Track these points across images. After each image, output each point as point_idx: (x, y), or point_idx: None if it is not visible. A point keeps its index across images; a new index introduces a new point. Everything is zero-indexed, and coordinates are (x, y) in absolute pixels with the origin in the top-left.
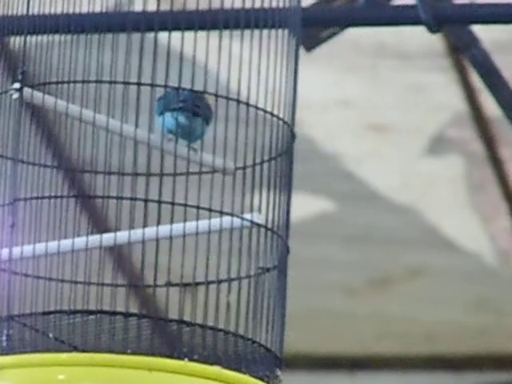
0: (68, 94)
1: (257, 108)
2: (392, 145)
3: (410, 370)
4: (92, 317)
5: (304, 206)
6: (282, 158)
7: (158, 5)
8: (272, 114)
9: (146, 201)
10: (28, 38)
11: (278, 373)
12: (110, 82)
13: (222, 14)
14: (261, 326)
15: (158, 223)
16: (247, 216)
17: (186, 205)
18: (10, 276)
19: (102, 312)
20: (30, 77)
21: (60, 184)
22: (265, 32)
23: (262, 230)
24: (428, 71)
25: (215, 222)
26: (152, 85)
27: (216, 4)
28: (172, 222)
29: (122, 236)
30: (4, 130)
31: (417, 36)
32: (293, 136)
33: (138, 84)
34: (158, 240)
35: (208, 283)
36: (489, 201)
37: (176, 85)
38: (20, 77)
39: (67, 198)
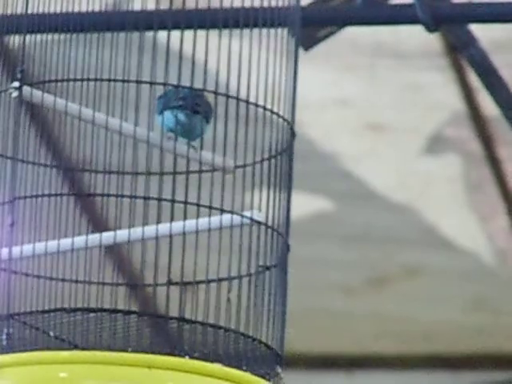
0: (67, 93)
1: (256, 105)
2: (390, 144)
3: (407, 369)
4: (92, 315)
5: (302, 205)
6: (282, 156)
7: (158, 4)
8: (272, 112)
9: (145, 198)
10: (27, 36)
11: (279, 370)
12: (110, 80)
13: (222, 13)
14: (261, 323)
15: (158, 221)
16: (247, 214)
17: (185, 202)
18: (10, 275)
19: (102, 310)
20: (28, 75)
21: (59, 183)
22: (264, 30)
23: (263, 227)
24: (426, 70)
25: (215, 219)
26: (151, 83)
27: (215, 3)
28: (172, 220)
29: (122, 234)
30: (3, 129)
31: (415, 35)
32: (293, 134)
33: (137, 82)
34: (157, 238)
35: (208, 282)
36: (487, 200)
37: (175, 83)
38: (19, 75)
39: (67, 197)
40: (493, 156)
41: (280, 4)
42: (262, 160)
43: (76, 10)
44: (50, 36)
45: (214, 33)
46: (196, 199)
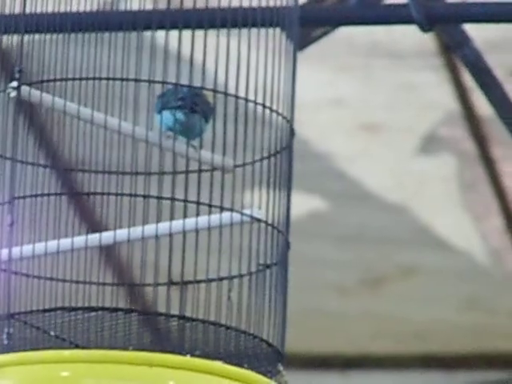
0: (65, 92)
1: (256, 103)
2: (384, 144)
3: (402, 368)
4: (93, 314)
5: (296, 205)
6: (281, 155)
7: (155, 3)
8: (271, 110)
9: (145, 197)
10: (24, 36)
11: (280, 368)
12: (108, 79)
13: (220, 13)
14: (262, 321)
15: (158, 220)
16: (247, 211)
17: (185, 200)
18: (10, 275)
19: (103, 309)
20: (26, 75)
21: (58, 183)
22: (263, 30)
23: (263, 225)
24: (420, 70)
25: (215, 217)
26: (150, 81)
27: (213, 3)
28: (172, 218)
29: (122, 234)
30: (2, 130)
31: (409, 35)
32: (292, 132)
33: (136, 80)
34: (157, 237)
35: (209, 281)
36: (481, 200)
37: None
38: (17, 75)
39: (66, 197)
40: (487, 156)
41: (278, 4)
42: (262, 158)
43: (74, 9)
44: (47, 36)
45: (212, 32)
46: (196, 198)
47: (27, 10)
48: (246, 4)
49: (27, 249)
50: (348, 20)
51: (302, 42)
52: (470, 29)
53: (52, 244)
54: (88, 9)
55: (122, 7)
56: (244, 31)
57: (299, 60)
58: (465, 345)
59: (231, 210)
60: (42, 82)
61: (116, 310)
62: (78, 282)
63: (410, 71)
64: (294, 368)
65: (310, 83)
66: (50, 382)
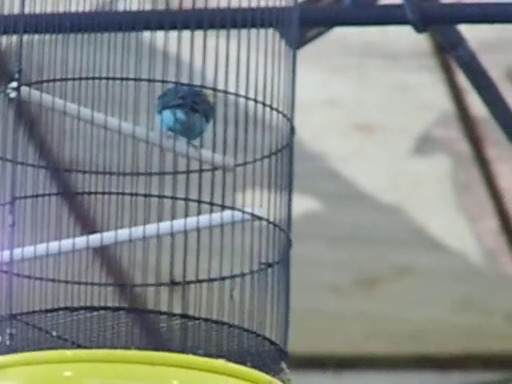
0: (65, 93)
1: (256, 101)
2: (378, 144)
3: (396, 369)
4: (95, 313)
5: None
6: (282, 153)
7: (155, 4)
8: (271, 108)
9: (146, 196)
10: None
11: (283, 366)
12: (108, 79)
13: (219, 13)
14: (265, 319)
15: (159, 220)
16: (248, 209)
17: (186, 199)
18: (11, 276)
19: (104, 308)
20: (26, 76)
21: (58, 183)
22: (262, 29)
23: (264, 223)
24: (414, 71)
25: (216, 216)
26: (149, 80)
27: (212, 3)
28: (173, 218)
29: (123, 234)
30: (1, 130)
31: (403, 36)
32: (292, 130)
33: (136, 80)
34: (159, 237)
35: (211, 280)
36: (475, 201)
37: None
38: (17, 76)
39: (66, 198)
40: (481, 156)
41: (278, 4)
42: (263, 157)
43: (73, 10)
44: (46, 36)
45: (211, 33)
46: (197, 197)
47: (26, 11)
48: (245, 4)
49: (28, 250)
50: (342, 20)
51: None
52: (465, 29)
53: (53, 245)
54: (87, 9)
55: (121, 8)
56: (243, 31)
57: None
58: (459, 345)
59: (232, 208)
60: (42, 82)
61: (118, 309)
62: (79, 283)
63: (405, 72)
64: (288, 367)
65: (304, 84)
66: (52, 381)
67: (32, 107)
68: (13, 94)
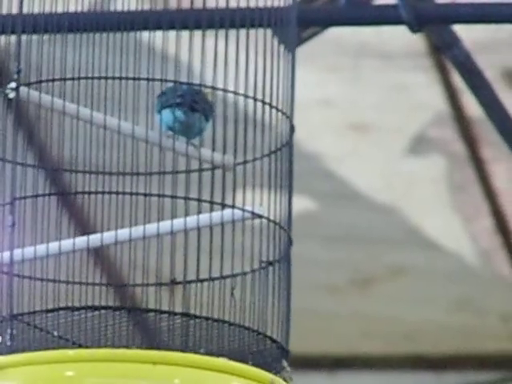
0: (64, 93)
1: (255, 99)
2: (373, 144)
3: (391, 369)
4: (96, 313)
5: (286, 205)
6: (282, 151)
7: (153, 4)
8: (271, 106)
9: (146, 195)
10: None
11: (285, 364)
12: (107, 78)
13: (218, 14)
14: (266, 317)
15: (160, 219)
16: (248, 208)
17: (187, 198)
18: (12, 276)
19: (105, 308)
20: (25, 76)
21: (57, 184)
22: (261, 29)
23: (265, 222)
24: (409, 71)
25: (217, 215)
26: (149, 79)
27: (211, 3)
28: (173, 217)
29: (123, 234)
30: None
31: (398, 36)
32: (292, 128)
33: (135, 79)
34: (159, 236)
35: (212, 279)
36: (470, 201)
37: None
38: (16, 76)
39: (64, 198)
40: (476, 157)
41: (276, 4)
42: (263, 156)
43: (71, 10)
44: (45, 36)
45: (210, 33)
46: (197, 197)
47: (24, 11)
48: (243, 4)
49: (29, 250)
50: (338, 21)
51: None
52: (460, 29)
53: (53, 245)
54: (85, 9)
55: (119, 7)
56: (242, 31)
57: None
58: (454, 345)
59: (233, 206)
60: (41, 82)
61: (119, 308)
62: (80, 283)
63: (400, 72)
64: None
65: (299, 83)
66: (54, 381)
67: (31, 107)
68: (12, 95)
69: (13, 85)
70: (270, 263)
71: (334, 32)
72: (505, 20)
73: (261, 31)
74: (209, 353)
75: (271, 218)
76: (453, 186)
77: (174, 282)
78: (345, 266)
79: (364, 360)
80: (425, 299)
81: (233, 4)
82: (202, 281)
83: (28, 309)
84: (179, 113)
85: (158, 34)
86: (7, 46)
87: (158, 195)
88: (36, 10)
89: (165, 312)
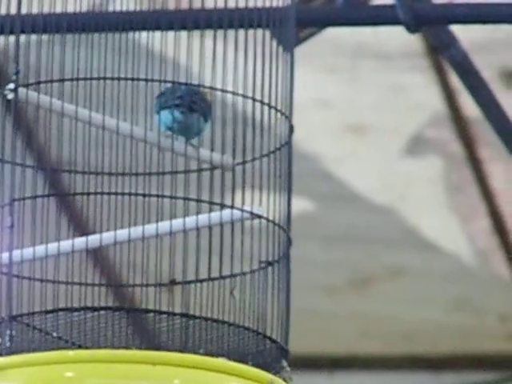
0: (63, 93)
1: (254, 100)
2: (371, 145)
3: (390, 369)
4: (95, 314)
5: (284, 206)
6: (281, 151)
7: (153, 4)
8: (269, 106)
9: (145, 195)
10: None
11: (284, 364)
12: (105, 79)
13: (217, 14)
14: (266, 317)
15: (159, 219)
16: (247, 208)
17: (186, 198)
18: (11, 277)
19: (105, 308)
20: (24, 76)
21: (56, 184)
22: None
23: (264, 222)
24: (407, 71)
25: (215, 215)
26: (147, 80)
27: (210, 3)
28: (172, 217)
29: (123, 234)
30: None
31: (396, 36)
32: (291, 128)
33: (134, 79)
34: (158, 236)
35: (211, 279)
36: (467, 201)
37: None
38: (14, 77)
39: (64, 198)
40: (474, 157)
41: (275, 4)
42: (262, 156)
43: (71, 10)
44: (44, 36)
45: (209, 33)
46: (196, 197)
47: (23, 11)
48: (241, 5)
49: (28, 251)
50: (335, 21)
51: None
52: (457, 30)
53: (52, 246)
54: (84, 9)
55: (118, 8)
56: (241, 31)
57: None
58: (452, 346)
59: (231, 207)
60: (39, 83)
61: (118, 309)
62: (80, 284)
63: (397, 72)
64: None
65: (297, 84)
66: (54, 382)
67: (30, 108)
68: (10, 96)
69: (11, 86)
70: (270, 263)
71: (332, 32)
72: (502, 20)
73: (259, 31)
74: (208, 353)
75: (270, 218)
76: (450, 187)
77: (173, 283)
78: (343, 267)
79: (362, 360)
80: (423, 299)
81: (231, 4)
82: (201, 281)
83: (27, 310)
84: (178, 113)
85: (157, 34)
86: (6, 47)
87: (158, 196)
88: (34, 11)
89: (164, 312)
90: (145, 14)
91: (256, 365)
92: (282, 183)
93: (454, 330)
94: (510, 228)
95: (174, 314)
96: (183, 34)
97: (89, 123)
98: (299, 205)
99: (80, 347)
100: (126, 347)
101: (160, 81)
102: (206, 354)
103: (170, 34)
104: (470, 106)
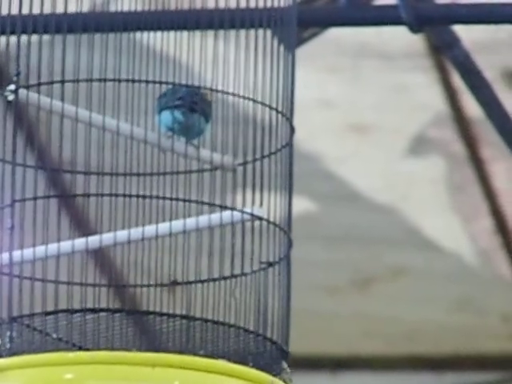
0: (64, 94)
1: (254, 101)
2: (373, 145)
3: (391, 369)
4: (95, 315)
5: (286, 206)
6: (281, 152)
7: (156, 4)
8: (270, 107)
9: (144, 197)
10: (13, 38)
11: (285, 365)
12: (105, 80)
13: (217, 14)
14: (266, 319)
15: (157, 221)
16: (247, 210)
17: (186, 200)
18: (11, 278)
19: (103, 310)
20: (24, 77)
21: (55, 185)
22: (261, 30)
23: (264, 223)
24: (409, 71)
25: (216, 216)
26: (147, 81)
27: (211, 4)
28: (172, 218)
29: (122, 235)
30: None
31: (398, 36)
32: (292, 129)
33: (132, 81)
34: (157, 238)
35: (213, 280)
36: (469, 201)
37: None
38: (15, 78)
39: (64, 199)
40: (476, 157)
41: (276, 4)
42: (263, 157)
43: (72, 10)
44: (45, 37)
45: (210, 33)
46: (196, 198)
47: (24, 12)
48: (243, 5)
49: (28, 252)
50: (338, 21)
51: None
52: (460, 30)
53: (53, 247)
54: (85, 10)
55: (120, 8)
56: (241, 31)
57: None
58: (454, 346)
59: (232, 208)
60: (40, 84)
61: (117, 311)
62: (82, 284)
63: (399, 72)
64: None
65: (299, 84)
66: None
67: (31, 109)
68: (11, 97)
69: (12, 87)
70: (270, 264)
71: (334, 32)
72: (505, 20)
73: (260, 32)
74: (208, 355)
75: (271, 219)
76: (452, 187)
77: (173, 283)
78: (345, 267)
79: (365, 360)
80: (425, 299)
81: (232, 4)
82: (202, 281)
83: (28, 311)
84: (178, 114)
85: (158, 34)
86: (7, 48)
87: (158, 197)
88: (36, 11)
89: (164, 314)
90: (145, 14)
91: (256, 366)
92: (282, 184)
93: (456, 329)
94: None
95: (174, 316)
96: (184, 34)
97: (89, 124)
98: (301, 204)
99: (80, 349)
100: (126, 349)
101: (160, 82)
102: (206, 355)
103: (171, 34)
104: (472, 106)
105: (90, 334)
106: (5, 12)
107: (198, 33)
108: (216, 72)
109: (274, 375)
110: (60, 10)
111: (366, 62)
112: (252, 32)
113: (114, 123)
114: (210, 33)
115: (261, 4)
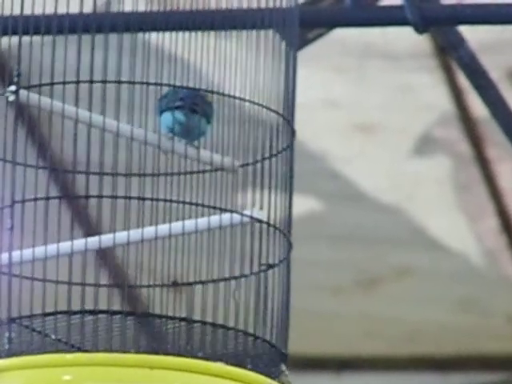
0: (64, 95)
1: (254, 103)
2: (379, 145)
3: (395, 370)
4: (95, 317)
5: None
6: (282, 155)
7: (151, 5)
8: (271, 110)
9: (143, 199)
10: (14, 38)
11: (283, 368)
12: (103, 82)
13: (219, 14)
14: (265, 321)
15: (156, 222)
16: (247, 212)
17: (185, 202)
18: (11, 279)
19: (104, 312)
20: (24, 78)
21: (56, 186)
22: (261, 31)
23: (264, 226)
24: (415, 72)
25: (215, 219)
26: (147, 83)
27: (212, 4)
28: (171, 220)
29: (122, 236)
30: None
31: (404, 37)
32: (293, 132)
33: (131, 82)
34: (157, 239)
35: (213, 281)
36: (475, 201)
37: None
38: (16, 79)
39: (64, 200)
40: (482, 157)
41: (278, 5)
42: (263, 159)
43: (74, 10)
44: (45, 38)
45: (211, 34)
46: (196, 200)
47: (26, 12)
48: (245, 5)
49: (27, 252)
50: (343, 22)
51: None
52: (465, 30)
53: (53, 247)
54: (88, 10)
55: (124, 8)
56: (243, 32)
57: None
58: (458, 346)
59: (231, 211)
60: (41, 85)
61: (116, 312)
62: (83, 285)
63: (405, 73)
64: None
65: (305, 84)
66: None
67: (32, 110)
68: (11, 98)
69: (12, 88)
70: (270, 266)
71: (339, 33)
72: (510, 21)
73: (262, 33)
74: (206, 357)
75: (271, 221)
76: (458, 186)
77: (173, 284)
78: (349, 267)
79: (368, 361)
80: (430, 299)
81: (235, 5)
82: (202, 282)
83: (27, 311)
84: (179, 115)
85: (159, 35)
86: (8, 48)
87: (151, 199)
88: (37, 11)
89: (163, 316)
90: (145, 14)
91: (255, 369)
92: (283, 186)
93: (461, 330)
94: None
95: (173, 318)
96: (185, 34)
97: (90, 124)
98: (306, 204)
99: (79, 350)
100: (124, 351)
101: (161, 84)
102: (205, 357)
103: (172, 35)
104: (477, 106)
105: (89, 335)
106: (6, 12)
107: (199, 33)
108: (218, 74)
109: (273, 378)
110: (62, 10)
111: (371, 62)
112: (253, 33)
113: (115, 124)
114: (212, 33)
115: (262, 5)
